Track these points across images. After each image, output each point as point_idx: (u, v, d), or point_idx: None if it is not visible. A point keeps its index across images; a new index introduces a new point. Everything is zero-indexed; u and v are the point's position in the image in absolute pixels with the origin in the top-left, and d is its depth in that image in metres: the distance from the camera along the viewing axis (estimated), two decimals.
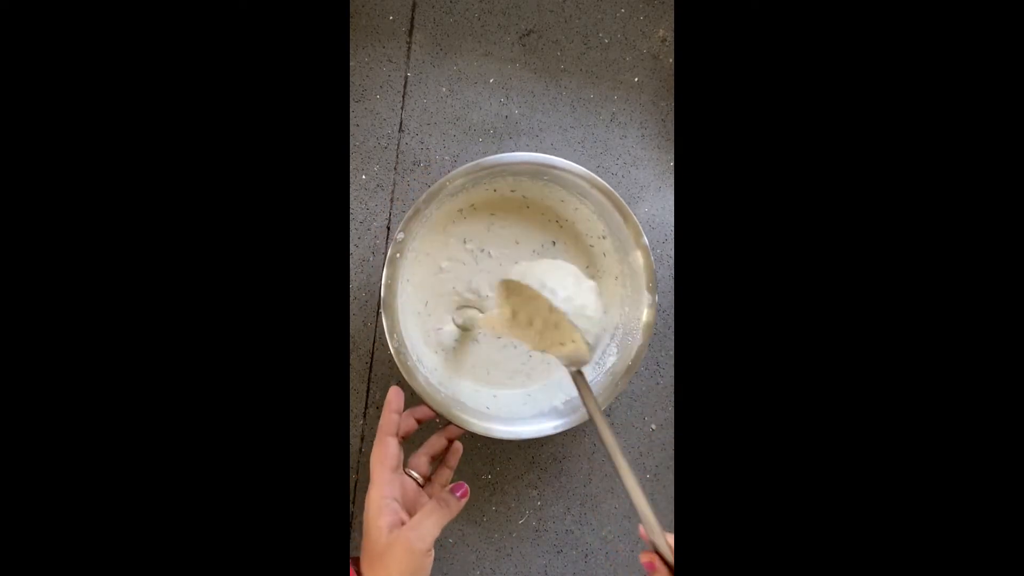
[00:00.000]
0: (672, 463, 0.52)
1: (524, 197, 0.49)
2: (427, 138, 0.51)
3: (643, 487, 0.35)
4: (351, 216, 0.50)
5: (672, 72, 0.53)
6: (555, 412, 0.47)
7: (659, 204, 0.52)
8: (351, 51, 0.50)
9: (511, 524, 0.51)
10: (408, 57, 0.51)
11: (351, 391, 0.49)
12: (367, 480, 0.43)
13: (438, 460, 0.45)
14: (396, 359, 0.44)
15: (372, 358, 0.50)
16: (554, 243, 0.50)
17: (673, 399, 0.52)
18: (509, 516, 0.51)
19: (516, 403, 0.48)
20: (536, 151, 0.48)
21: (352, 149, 0.50)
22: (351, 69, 0.50)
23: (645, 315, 0.47)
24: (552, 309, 0.39)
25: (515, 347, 0.49)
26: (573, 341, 0.40)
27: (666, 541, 0.34)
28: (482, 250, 0.49)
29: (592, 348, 0.39)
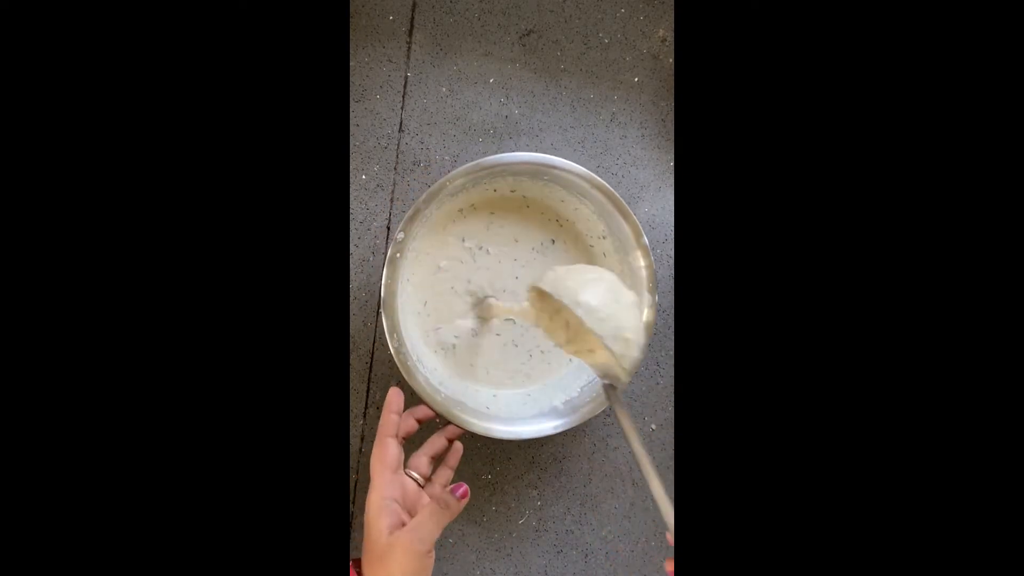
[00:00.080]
0: (672, 463, 0.52)
1: (524, 197, 0.49)
2: (427, 138, 0.51)
3: (671, 497, 0.33)
4: (351, 216, 0.50)
5: (672, 72, 0.53)
6: (555, 412, 0.47)
7: (659, 204, 0.52)
8: (351, 51, 0.50)
9: (511, 524, 0.51)
10: (408, 57, 0.51)
11: (351, 391, 0.49)
12: (367, 480, 0.43)
13: (438, 460, 0.45)
14: (396, 359, 0.44)
15: (372, 358, 0.50)
16: (553, 241, 0.50)
17: (673, 399, 0.52)
18: (509, 516, 0.51)
19: (516, 403, 0.48)
20: (536, 151, 0.48)
21: (352, 149, 0.50)
22: (351, 69, 0.50)
23: (645, 315, 0.47)
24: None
25: (515, 346, 0.49)
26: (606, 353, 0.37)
27: None
28: (480, 248, 0.49)
29: (629, 372, 0.36)
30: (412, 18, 0.51)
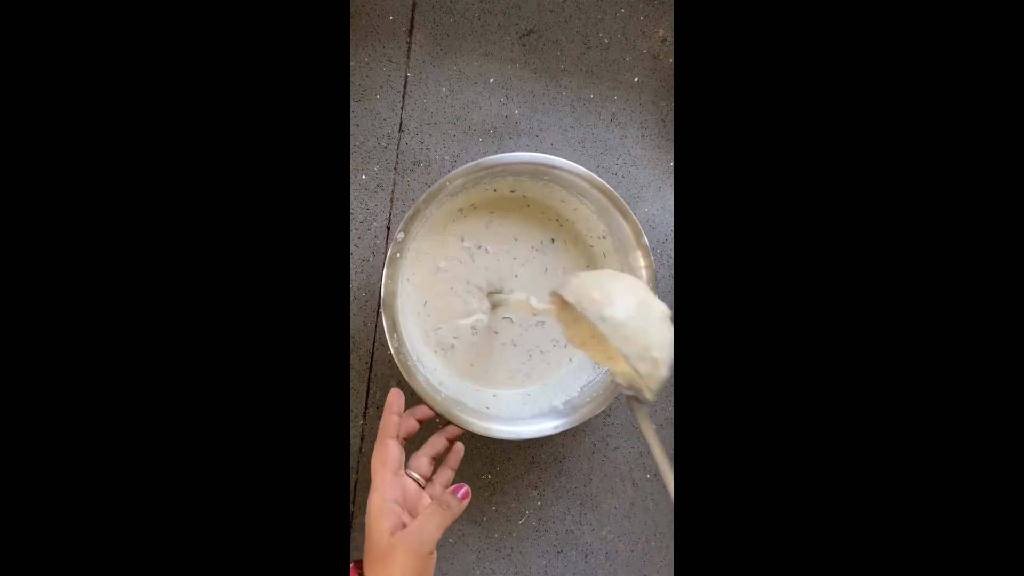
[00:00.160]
0: (672, 463, 0.52)
1: (524, 197, 0.49)
2: (427, 138, 0.51)
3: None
4: (351, 216, 0.50)
5: (672, 72, 0.53)
6: (555, 412, 0.47)
7: (659, 204, 0.52)
8: (351, 51, 0.50)
9: (511, 524, 0.50)
10: (408, 57, 0.51)
11: (351, 391, 0.49)
12: (367, 481, 0.43)
13: (439, 461, 0.45)
14: (396, 359, 0.44)
15: (372, 358, 0.50)
16: (553, 240, 0.50)
17: (673, 399, 0.52)
18: (509, 516, 0.51)
19: (516, 403, 0.48)
20: (536, 151, 0.48)
21: (352, 149, 0.50)
22: (351, 69, 0.50)
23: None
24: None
25: (515, 346, 0.49)
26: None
27: None
28: (479, 247, 0.49)
29: (655, 393, 0.34)
30: (412, 18, 0.51)
